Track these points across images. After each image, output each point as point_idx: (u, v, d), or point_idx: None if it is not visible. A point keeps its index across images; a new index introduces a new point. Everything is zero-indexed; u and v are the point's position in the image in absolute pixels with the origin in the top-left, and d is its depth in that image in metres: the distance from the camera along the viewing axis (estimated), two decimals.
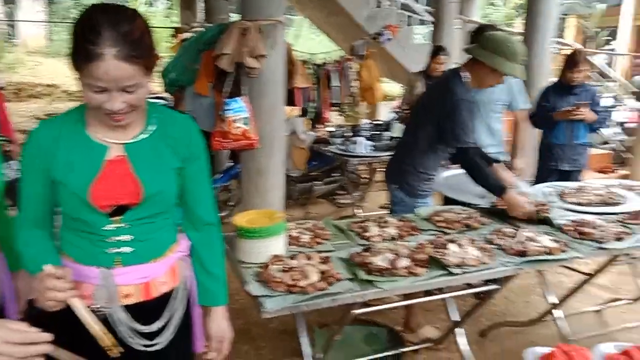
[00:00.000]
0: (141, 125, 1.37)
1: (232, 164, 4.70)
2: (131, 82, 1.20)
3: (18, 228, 1.39)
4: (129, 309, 1.38)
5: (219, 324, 1.56)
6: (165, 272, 1.44)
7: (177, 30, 6.48)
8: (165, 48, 7.62)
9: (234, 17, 6.82)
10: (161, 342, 1.42)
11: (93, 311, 1.30)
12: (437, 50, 5.03)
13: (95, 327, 1.27)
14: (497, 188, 2.60)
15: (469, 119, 2.66)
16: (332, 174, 5.24)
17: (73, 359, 1.23)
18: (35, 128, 1.35)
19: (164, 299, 1.45)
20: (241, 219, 2.08)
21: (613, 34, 15.35)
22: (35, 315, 1.39)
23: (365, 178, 5.70)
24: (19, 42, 12.44)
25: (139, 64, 1.20)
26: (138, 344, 1.38)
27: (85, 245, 1.35)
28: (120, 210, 1.33)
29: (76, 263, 1.36)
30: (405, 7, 8.43)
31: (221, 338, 1.56)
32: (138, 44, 1.19)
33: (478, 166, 2.67)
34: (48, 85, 10.01)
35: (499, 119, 3.51)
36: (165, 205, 1.40)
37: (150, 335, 1.41)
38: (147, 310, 1.41)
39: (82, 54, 1.17)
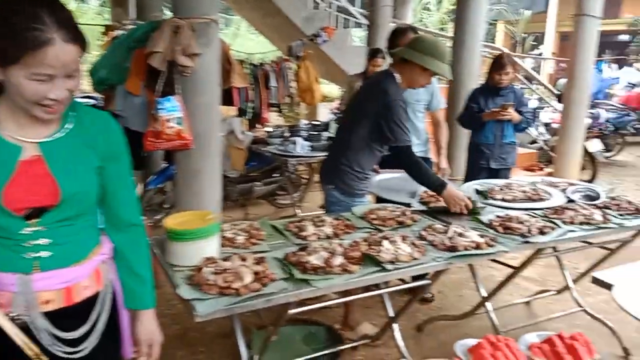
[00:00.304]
0: (57, 123, 1.31)
1: (167, 164, 4.58)
2: (76, 66, 1.20)
3: None
4: (50, 315, 1.31)
5: (148, 327, 1.51)
6: (88, 276, 1.38)
7: (108, 28, 6.26)
8: (96, 46, 7.34)
9: (167, 14, 6.66)
10: (86, 348, 1.37)
11: (12, 319, 1.25)
12: (375, 53, 5.10)
13: (16, 336, 1.22)
14: (438, 184, 2.69)
15: (405, 119, 2.73)
16: (272, 175, 5.21)
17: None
18: None
19: (88, 304, 1.39)
20: (172, 221, 2.03)
21: (538, 40, 16.20)
22: None
23: (305, 178, 5.70)
24: None
25: (81, 46, 1.20)
26: (61, 351, 1.33)
27: (0, 250, 1.27)
28: (37, 212, 1.27)
29: None
30: (341, 9, 8.52)
31: (150, 342, 1.52)
32: (76, 26, 1.21)
33: (418, 164, 2.75)
34: None
35: (422, 119, 3.63)
36: (85, 206, 1.35)
37: (75, 342, 1.35)
38: (70, 316, 1.35)
39: (25, 43, 1.13)
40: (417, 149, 3.44)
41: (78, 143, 1.32)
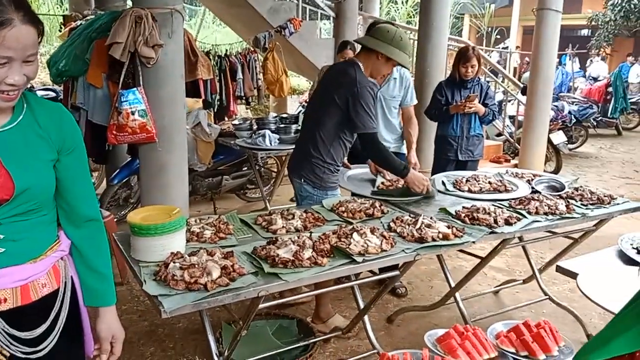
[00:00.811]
0: (8, 114, 1.25)
1: (131, 158, 4.46)
2: (34, 50, 1.17)
3: None
4: (5, 314, 1.27)
5: (109, 324, 1.47)
6: (45, 273, 1.34)
7: (67, 18, 6.06)
8: (54, 37, 7.10)
9: (129, 4, 6.48)
10: (46, 347, 1.33)
11: None
12: (344, 45, 5.08)
13: None
14: (402, 167, 2.76)
15: (372, 105, 2.75)
16: (241, 168, 5.15)
17: None
18: None
19: (46, 302, 1.35)
20: (136, 216, 1.97)
21: (502, 34, 16.48)
22: None
23: (274, 171, 5.66)
24: None
25: (38, 29, 1.18)
26: (19, 351, 1.28)
27: None
28: None
29: None
30: (308, 1, 8.47)
31: (112, 339, 1.47)
32: (32, 9, 1.19)
33: (383, 150, 2.80)
34: None
35: (395, 115, 3.65)
36: (41, 200, 1.30)
37: (34, 341, 1.31)
38: (27, 315, 1.30)
39: None
40: (391, 145, 3.52)
41: (31, 135, 1.27)
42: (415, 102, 3.73)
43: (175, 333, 2.96)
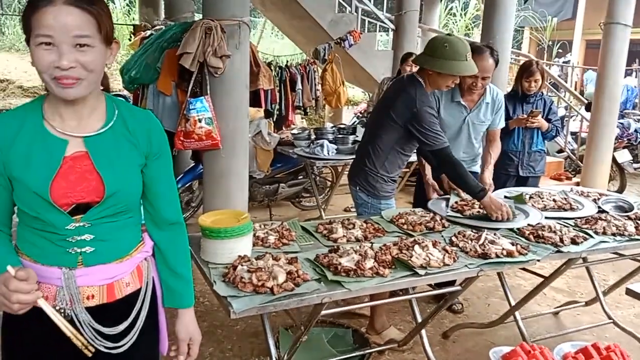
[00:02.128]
0: (101, 119, 1.32)
1: (194, 164, 4.62)
2: (83, 32, 1.16)
3: None
4: (92, 310, 1.33)
5: (187, 326, 1.51)
6: (129, 273, 1.40)
7: (137, 28, 6.35)
8: (124, 45, 7.45)
9: (197, 16, 6.73)
10: (126, 344, 1.38)
11: (58, 312, 1.27)
12: (407, 56, 5.11)
13: (66, 327, 1.25)
14: (480, 189, 2.65)
15: (435, 122, 2.73)
16: (297, 177, 5.23)
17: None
18: None
19: (129, 301, 1.40)
20: (206, 219, 2.05)
21: (563, 47, 15.98)
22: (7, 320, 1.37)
23: (329, 181, 5.71)
24: None
25: (92, 15, 1.17)
26: (102, 345, 1.34)
27: (45, 244, 1.29)
28: (80, 208, 1.28)
29: (36, 263, 1.30)
30: (367, 13, 8.53)
31: (189, 340, 1.52)
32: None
33: (459, 165, 2.75)
34: (0, 80, 9.60)
35: (480, 140, 3.43)
36: (129, 203, 1.35)
37: (116, 338, 1.37)
38: (110, 312, 1.36)
39: (32, 4, 1.16)
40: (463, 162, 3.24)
41: (122, 140, 1.32)
42: (503, 125, 3.48)
43: (233, 335, 3.04)
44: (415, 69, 4.94)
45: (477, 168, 3.42)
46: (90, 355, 1.30)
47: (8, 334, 1.39)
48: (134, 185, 1.35)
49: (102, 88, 1.41)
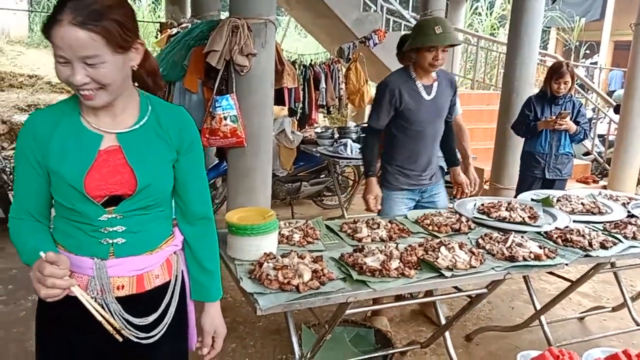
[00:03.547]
0: (135, 115, 1.35)
1: (219, 161, 4.66)
2: (89, 53, 1.17)
3: (12, 218, 1.37)
4: (122, 300, 1.36)
5: (213, 319, 1.54)
6: (159, 265, 1.43)
7: (164, 25, 6.41)
8: (150, 43, 7.55)
9: (223, 14, 6.78)
10: (155, 335, 1.41)
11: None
12: None
13: (98, 312, 1.28)
14: (369, 171, 2.98)
15: (378, 102, 2.92)
16: (319, 175, 5.23)
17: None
18: (30, 116, 1.34)
19: (158, 293, 1.43)
20: (233, 216, 2.07)
21: (591, 48, 15.68)
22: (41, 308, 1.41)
23: (352, 180, 5.71)
24: (0, 31, 12.16)
25: (98, 33, 1.17)
26: (133, 335, 1.37)
27: (79, 235, 1.33)
28: (113, 200, 1.31)
29: (70, 253, 1.33)
30: (393, 12, 8.49)
31: (215, 334, 1.54)
32: (99, 14, 1.18)
33: (368, 144, 3.03)
34: (30, 76, 9.78)
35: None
36: (160, 197, 1.38)
37: (145, 328, 1.40)
38: (140, 303, 1.39)
39: (47, 21, 1.19)
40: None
41: (154, 135, 1.36)
42: (460, 111, 3.46)
43: (255, 332, 3.06)
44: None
45: (441, 162, 3.31)
46: (121, 340, 1.33)
47: (42, 322, 1.43)
48: (165, 179, 1.38)
49: (137, 85, 1.44)
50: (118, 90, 1.27)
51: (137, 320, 1.38)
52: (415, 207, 3.05)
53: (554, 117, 3.82)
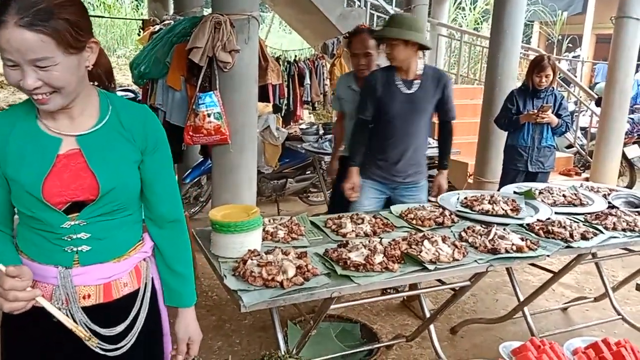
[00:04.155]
0: (95, 116, 1.29)
1: (203, 159, 4.64)
2: (38, 55, 1.10)
3: None
4: (88, 310, 1.31)
5: (187, 326, 1.49)
6: (127, 272, 1.37)
7: (146, 23, 6.36)
8: (132, 40, 7.49)
9: (206, 10, 6.72)
10: (125, 346, 1.35)
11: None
12: None
13: (67, 320, 1.24)
14: (355, 158, 3.06)
15: (364, 90, 3.05)
16: (305, 172, 5.23)
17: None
18: None
19: (127, 301, 1.37)
20: (217, 214, 2.06)
21: (573, 42, 15.83)
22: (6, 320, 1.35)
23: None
24: None
25: (46, 34, 1.09)
26: (99, 347, 1.30)
27: (42, 242, 1.28)
28: (76, 206, 1.26)
29: (34, 262, 1.29)
30: (377, 8, 8.49)
31: (189, 340, 1.49)
32: (47, 13, 1.10)
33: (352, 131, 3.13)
34: None
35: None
36: (125, 200, 1.32)
37: (114, 339, 1.34)
38: (108, 313, 1.34)
39: None
40: None
41: (116, 136, 1.29)
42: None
43: (241, 329, 3.06)
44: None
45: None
46: (95, 346, 1.28)
47: (8, 334, 1.37)
48: (130, 182, 1.32)
49: (96, 84, 1.40)
50: (74, 92, 1.21)
51: (104, 331, 1.32)
52: (386, 205, 3.04)
53: (535, 111, 3.86)
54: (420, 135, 3.06)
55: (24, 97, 1.24)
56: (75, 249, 1.28)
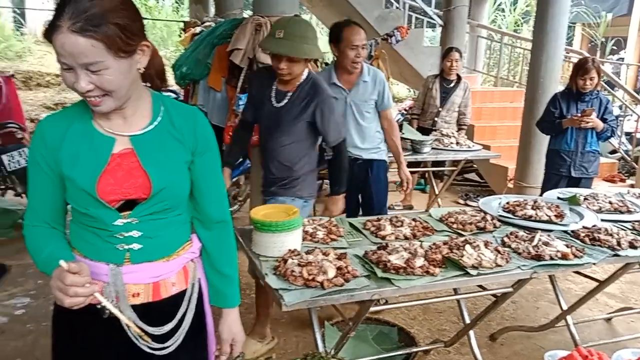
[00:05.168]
0: (147, 117, 1.32)
1: (242, 159, 4.69)
2: (89, 60, 1.13)
3: (27, 226, 1.35)
4: (137, 308, 1.33)
5: (231, 326, 1.52)
6: (175, 272, 1.40)
7: (187, 24, 6.48)
8: (173, 42, 7.64)
9: (246, 12, 6.82)
10: (171, 345, 1.38)
11: (102, 308, 1.26)
12: (448, 51, 5.06)
13: (123, 317, 1.27)
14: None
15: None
16: None
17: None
18: (41, 121, 1.31)
19: (175, 301, 1.40)
20: (258, 213, 2.08)
21: (618, 44, 15.36)
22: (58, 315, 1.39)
23: None
24: (27, 31, 12.42)
25: (97, 39, 1.12)
26: (147, 346, 1.33)
27: (94, 240, 1.31)
28: (128, 205, 1.29)
29: (85, 258, 1.32)
30: (415, 9, 8.43)
31: (233, 341, 1.52)
32: (99, 19, 1.12)
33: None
34: (57, 75, 9.97)
35: (370, 119, 3.27)
36: (176, 200, 1.34)
37: (160, 338, 1.36)
38: (156, 312, 1.36)
39: (47, 28, 1.15)
40: (365, 153, 3.28)
41: (168, 137, 1.32)
42: (390, 104, 3.30)
43: (278, 328, 3.08)
44: (456, 63, 4.93)
45: (383, 156, 3.36)
46: (149, 341, 1.31)
47: (59, 329, 1.41)
48: (181, 181, 1.34)
49: (148, 85, 1.43)
50: (125, 95, 1.23)
51: (151, 330, 1.34)
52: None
53: (579, 115, 3.76)
54: (286, 152, 2.68)
55: (70, 95, 1.28)
56: (126, 247, 1.31)
